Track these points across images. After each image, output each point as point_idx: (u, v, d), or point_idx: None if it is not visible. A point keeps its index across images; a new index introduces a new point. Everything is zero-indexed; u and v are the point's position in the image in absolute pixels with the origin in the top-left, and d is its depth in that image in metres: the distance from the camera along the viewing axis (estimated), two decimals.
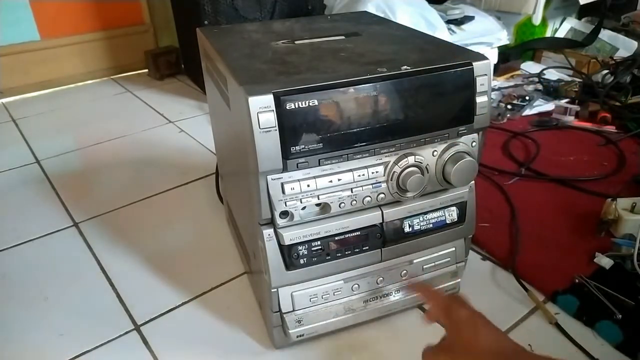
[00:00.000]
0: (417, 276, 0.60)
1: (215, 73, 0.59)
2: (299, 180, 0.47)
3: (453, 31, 1.33)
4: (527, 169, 0.97)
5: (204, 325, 0.65)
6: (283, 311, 0.55)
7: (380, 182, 0.50)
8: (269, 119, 0.43)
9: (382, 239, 0.54)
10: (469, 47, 0.59)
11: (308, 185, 0.48)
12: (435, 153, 0.52)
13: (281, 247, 0.51)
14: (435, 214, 0.56)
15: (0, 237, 0.85)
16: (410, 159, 0.50)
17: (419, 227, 0.55)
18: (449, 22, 1.35)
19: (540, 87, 1.33)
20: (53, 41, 1.57)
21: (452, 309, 0.45)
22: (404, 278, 0.60)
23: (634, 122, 1.11)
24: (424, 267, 0.60)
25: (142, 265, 0.77)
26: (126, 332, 0.65)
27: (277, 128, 0.43)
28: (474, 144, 0.53)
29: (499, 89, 1.34)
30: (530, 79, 1.39)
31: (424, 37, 0.61)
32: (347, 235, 0.52)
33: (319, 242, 0.51)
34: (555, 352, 0.52)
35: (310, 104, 0.44)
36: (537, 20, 1.45)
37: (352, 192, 0.50)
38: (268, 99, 0.43)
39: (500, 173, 0.95)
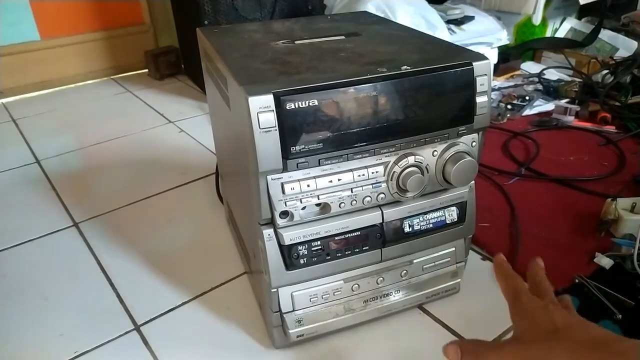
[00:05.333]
0: (417, 276, 0.60)
1: (215, 73, 0.59)
2: (299, 180, 0.47)
3: (453, 31, 1.33)
4: (527, 169, 0.97)
5: (204, 325, 0.65)
6: (283, 311, 0.55)
7: (380, 182, 0.50)
8: (269, 119, 0.43)
9: (382, 239, 0.54)
10: (469, 47, 0.59)
11: (308, 185, 0.48)
12: (435, 153, 0.52)
13: (281, 247, 0.51)
14: (435, 214, 0.56)
15: (0, 237, 0.85)
16: (410, 159, 0.50)
17: (419, 227, 0.55)
18: (449, 22, 1.35)
19: (540, 87, 1.33)
20: (53, 41, 1.57)
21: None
22: (404, 278, 0.60)
23: (634, 122, 1.11)
24: (424, 267, 0.60)
25: (142, 265, 0.77)
26: (126, 332, 0.65)
27: (277, 128, 0.43)
28: (474, 144, 0.53)
29: (499, 89, 1.34)
30: (530, 79, 1.39)
31: (424, 37, 0.61)
32: (347, 235, 0.52)
33: (319, 242, 0.51)
34: None
35: (310, 104, 0.44)
36: (537, 20, 1.46)
37: (352, 192, 0.50)
38: (268, 99, 0.43)
39: (500, 173, 0.95)
